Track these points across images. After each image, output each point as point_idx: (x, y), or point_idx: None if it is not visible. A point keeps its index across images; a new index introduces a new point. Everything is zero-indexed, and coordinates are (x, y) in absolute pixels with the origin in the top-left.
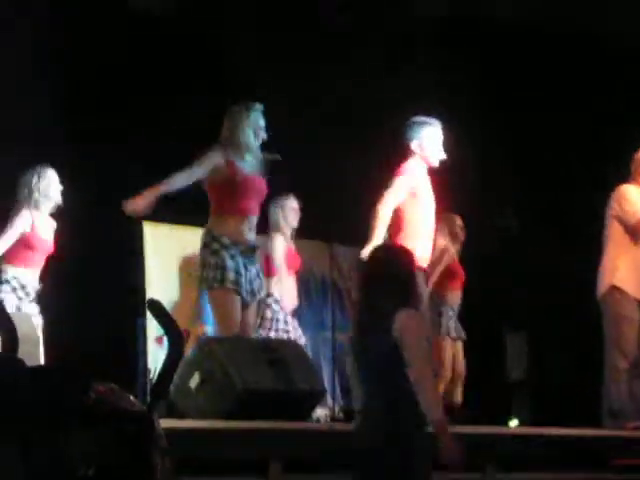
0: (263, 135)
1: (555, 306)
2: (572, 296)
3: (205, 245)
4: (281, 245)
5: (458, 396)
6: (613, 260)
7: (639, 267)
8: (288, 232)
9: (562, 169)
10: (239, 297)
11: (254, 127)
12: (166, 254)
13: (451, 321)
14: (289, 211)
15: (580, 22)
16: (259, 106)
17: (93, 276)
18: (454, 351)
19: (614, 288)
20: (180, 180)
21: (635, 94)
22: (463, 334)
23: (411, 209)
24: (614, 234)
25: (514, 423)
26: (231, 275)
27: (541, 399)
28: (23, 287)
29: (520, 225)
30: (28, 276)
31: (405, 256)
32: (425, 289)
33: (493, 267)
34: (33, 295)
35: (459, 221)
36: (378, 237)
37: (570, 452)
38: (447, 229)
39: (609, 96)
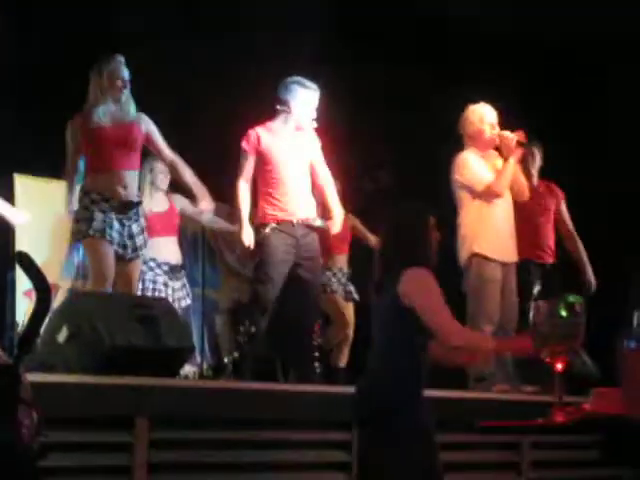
0: (122, 85)
1: None
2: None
3: (78, 201)
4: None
5: (344, 359)
6: (471, 228)
7: (496, 229)
8: (156, 194)
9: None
10: (111, 248)
11: (110, 78)
12: (37, 208)
13: (334, 284)
14: (158, 173)
15: None
16: (119, 57)
17: None
18: (342, 315)
19: (476, 255)
20: (76, 165)
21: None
22: (354, 295)
23: (268, 174)
24: (465, 202)
25: None
26: (98, 225)
27: None
28: None
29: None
30: None
31: (417, 216)
32: (289, 241)
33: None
34: None
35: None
36: (243, 211)
37: (438, 414)
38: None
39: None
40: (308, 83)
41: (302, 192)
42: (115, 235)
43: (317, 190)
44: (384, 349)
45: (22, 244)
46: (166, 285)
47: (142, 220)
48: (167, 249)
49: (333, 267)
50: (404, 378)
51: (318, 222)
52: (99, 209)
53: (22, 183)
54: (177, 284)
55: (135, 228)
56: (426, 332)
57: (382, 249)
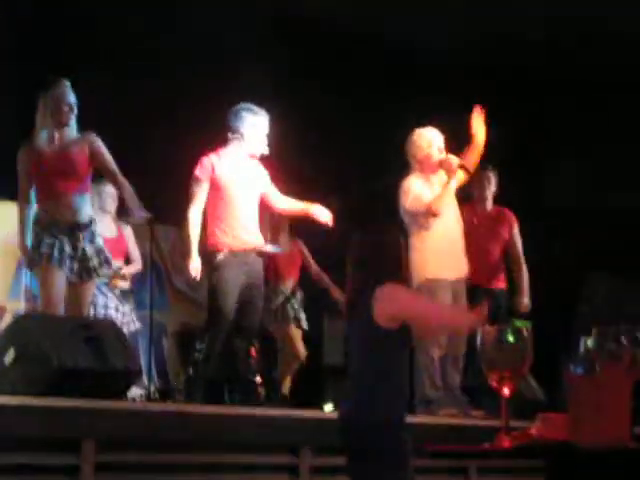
0: (68, 110)
1: None
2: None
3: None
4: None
5: (287, 386)
6: (420, 252)
7: (443, 250)
8: (106, 218)
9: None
10: (61, 274)
11: (56, 102)
12: None
13: (292, 308)
14: (106, 197)
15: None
16: (65, 82)
17: None
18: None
19: (426, 280)
20: (28, 195)
21: None
22: (304, 324)
23: (221, 201)
24: (412, 227)
25: (329, 407)
26: (48, 251)
27: None
28: None
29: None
30: None
31: (388, 234)
32: (242, 267)
33: (325, 252)
34: None
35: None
36: (193, 241)
37: None
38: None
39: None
40: (257, 109)
41: (253, 220)
42: (66, 259)
43: (278, 212)
44: (362, 369)
45: None
46: (117, 310)
47: (98, 240)
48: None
49: (285, 290)
50: (385, 399)
51: (269, 248)
52: (49, 234)
53: None
54: (126, 308)
55: (89, 249)
56: (404, 346)
57: (354, 267)
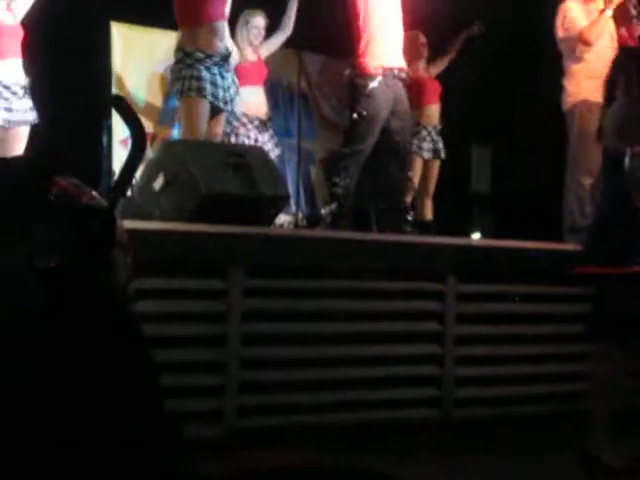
0: None
1: (521, 120)
2: (538, 111)
3: (178, 61)
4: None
5: (429, 212)
6: (575, 76)
7: (595, 72)
8: (247, 48)
9: None
10: (208, 107)
11: None
12: (135, 56)
13: (425, 142)
14: (251, 28)
15: None
16: None
17: (59, 74)
18: (426, 170)
19: (581, 103)
20: None
21: None
22: (441, 153)
23: (372, 18)
24: (568, 52)
25: (476, 235)
26: (208, 86)
27: (504, 213)
28: (7, 88)
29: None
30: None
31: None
32: (397, 90)
33: (460, 80)
34: (21, 92)
35: (422, 38)
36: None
37: (530, 265)
38: (408, 46)
39: None
40: None
41: (400, 42)
42: (219, 91)
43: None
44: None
45: (119, 92)
46: (256, 141)
47: (232, 72)
48: (257, 101)
49: (426, 122)
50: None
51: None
52: (204, 67)
53: (119, 30)
54: (265, 136)
55: (229, 79)
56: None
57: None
